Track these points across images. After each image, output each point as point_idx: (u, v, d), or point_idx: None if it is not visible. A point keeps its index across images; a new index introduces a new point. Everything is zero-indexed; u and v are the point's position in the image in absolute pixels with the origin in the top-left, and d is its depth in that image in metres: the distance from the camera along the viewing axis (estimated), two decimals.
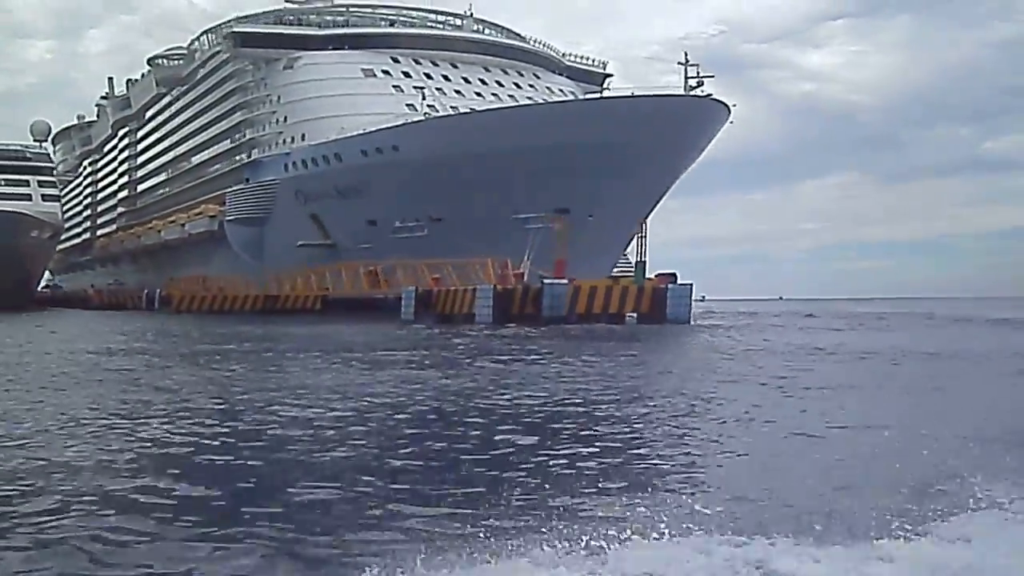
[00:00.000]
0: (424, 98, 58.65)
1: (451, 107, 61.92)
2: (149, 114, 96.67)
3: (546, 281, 36.51)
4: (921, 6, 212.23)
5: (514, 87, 69.69)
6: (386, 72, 65.41)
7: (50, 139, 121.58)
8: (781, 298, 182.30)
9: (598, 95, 79.51)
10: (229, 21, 74.80)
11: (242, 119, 72.24)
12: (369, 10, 75.40)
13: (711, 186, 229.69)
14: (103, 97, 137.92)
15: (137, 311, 72.48)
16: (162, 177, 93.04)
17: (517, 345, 26.05)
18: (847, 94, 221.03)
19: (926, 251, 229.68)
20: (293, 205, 64.84)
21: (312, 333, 33.52)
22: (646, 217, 58.31)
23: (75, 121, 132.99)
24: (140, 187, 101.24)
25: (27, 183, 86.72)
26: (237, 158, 72.62)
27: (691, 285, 40.64)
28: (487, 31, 75.88)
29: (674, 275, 40.26)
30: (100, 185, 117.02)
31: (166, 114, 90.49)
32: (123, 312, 71.11)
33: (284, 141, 66.45)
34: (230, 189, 71.24)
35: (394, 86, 64.23)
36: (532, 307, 35.77)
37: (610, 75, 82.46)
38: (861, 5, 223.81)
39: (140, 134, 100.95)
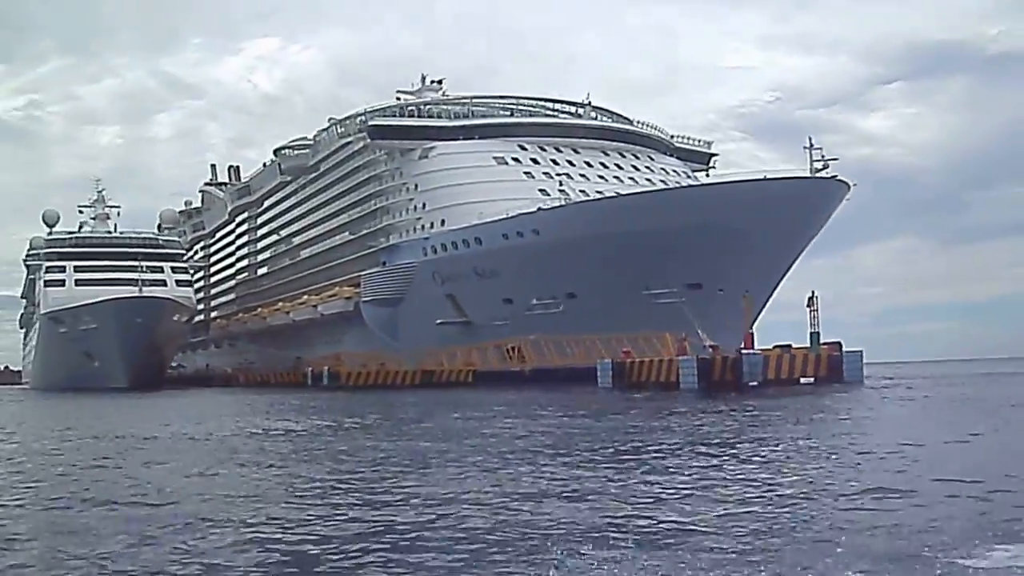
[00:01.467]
0: (560, 184, 63.88)
1: (579, 191, 67.02)
2: (270, 201, 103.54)
3: (744, 352, 40.98)
4: (976, 66, 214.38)
5: (632, 169, 74.87)
6: (516, 159, 71.11)
7: (157, 225, 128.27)
8: None
9: (704, 172, 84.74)
10: (357, 115, 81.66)
11: (378, 206, 78.27)
12: (489, 100, 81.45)
13: None
14: (207, 183, 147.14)
15: (289, 387, 77.45)
16: (287, 261, 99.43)
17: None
18: (905, 157, 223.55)
19: (993, 312, 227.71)
20: (429, 286, 70.12)
21: (565, 400, 37.55)
22: (773, 290, 62.87)
23: (183, 207, 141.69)
24: (261, 270, 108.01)
25: (161, 269, 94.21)
26: (372, 243, 78.38)
27: (861, 352, 45.65)
28: (601, 117, 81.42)
29: (839, 343, 45.00)
30: (213, 268, 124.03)
31: (291, 201, 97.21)
32: (285, 389, 75.40)
33: (423, 226, 72.08)
34: (366, 272, 76.98)
35: (525, 172, 69.83)
36: (731, 374, 40.25)
37: (715, 154, 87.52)
38: (915, 68, 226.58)
39: (260, 220, 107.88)
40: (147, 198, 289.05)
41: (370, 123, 75.94)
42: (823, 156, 56.59)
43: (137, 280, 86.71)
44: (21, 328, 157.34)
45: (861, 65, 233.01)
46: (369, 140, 76.55)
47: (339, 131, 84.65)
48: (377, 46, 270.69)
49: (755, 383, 39.48)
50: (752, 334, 43.36)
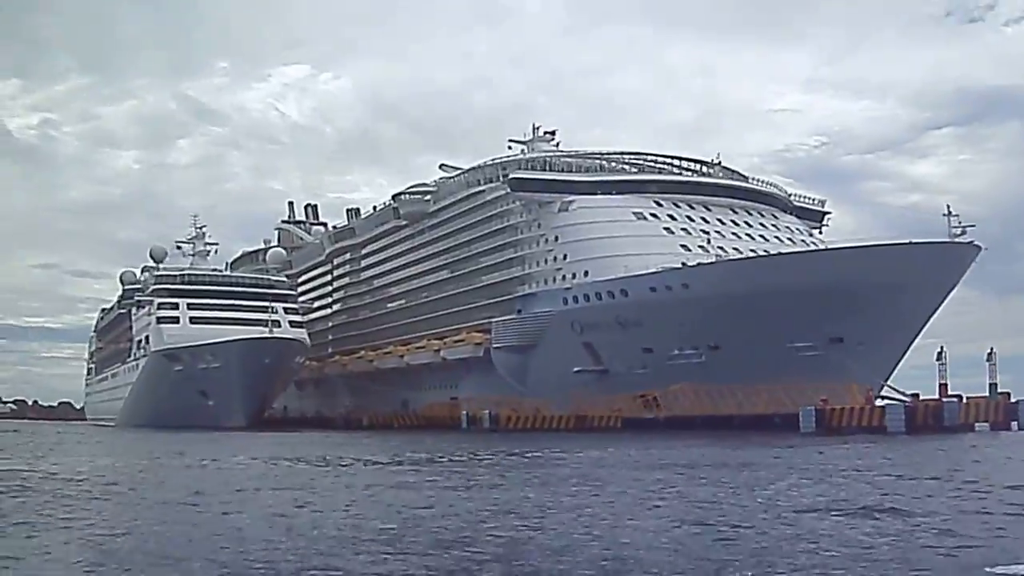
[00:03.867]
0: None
1: (718, 247, 76.43)
2: (379, 244, 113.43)
3: (945, 400, 50.31)
4: None
5: (760, 227, 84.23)
6: (654, 215, 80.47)
7: (230, 263, 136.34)
8: None
9: (818, 229, 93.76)
10: (486, 165, 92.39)
11: (514, 255, 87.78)
12: (615, 155, 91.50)
13: None
14: (285, 221, 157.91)
15: (427, 429, 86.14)
16: (399, 304, 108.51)
17: None
18: (956, 205, 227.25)
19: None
20: (566, 334, 78.91)
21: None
22: (910, 344, 71.76)
23: (261, 246, 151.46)
24: (363, 313, 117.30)
25: (275, 310, 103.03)
26: (508, 291, 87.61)
27: None
28: (723, 176, 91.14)
29: (1008, 394, 54.41)
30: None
31: (406, 245, 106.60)
32: (429, 432, 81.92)
33: (563, 277, 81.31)
34: (498, 318, 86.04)
35: (665, 228, 79.15)
36: (932, 419, 49.52)
37: (828, 212, 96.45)
38: (967, 113, 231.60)
39: (364, 263, 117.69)
40: (161, 227, 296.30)
41: (512, 176, 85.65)
42: (960, 223, 66.56)
43: (267, 320, 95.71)
44: (91, 363, 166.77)
45: (910, 109, 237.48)
46: (509, 191, 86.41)
47: (467, 180, 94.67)
48: (411, 79, 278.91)
49: (953, 426, 48.61)
50: (946, 384, 52.68)
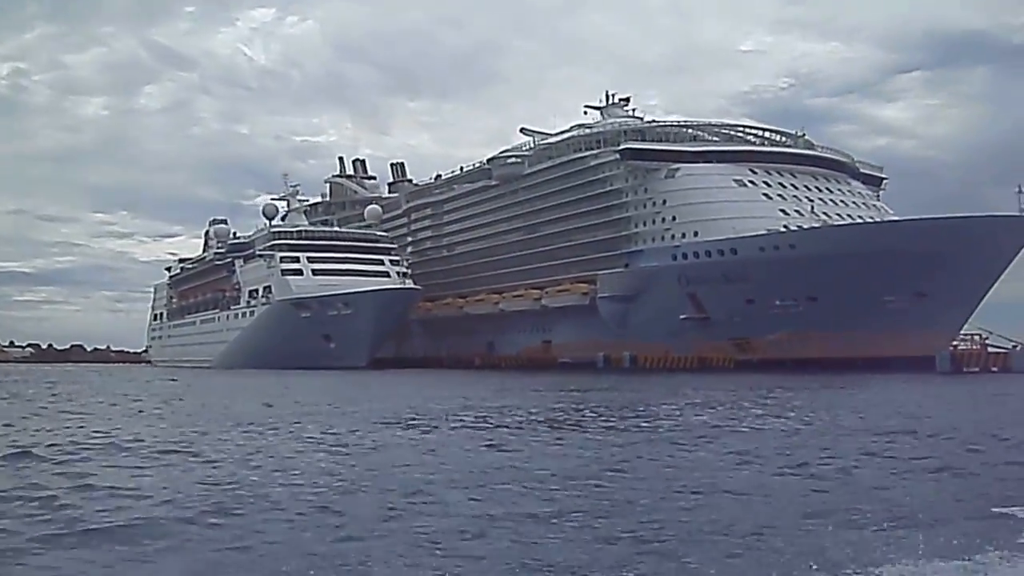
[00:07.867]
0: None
1: (811, 212, 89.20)
2: (462, 203, 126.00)
3: None
4: (1000, 57, 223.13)
5: (838, 192, 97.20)
6: (751, 182, 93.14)
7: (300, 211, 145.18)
8: None
9: (876, 192, 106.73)
10: (579, 133, 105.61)
11: (620, 216, 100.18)
12: (703, 125, 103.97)
13: None
14: (336, 176, 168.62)
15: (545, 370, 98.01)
16: (490, 256, 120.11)
17: None
18: (923, 150, 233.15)
19: (1014, 313, 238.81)
20: (670, 286, 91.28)
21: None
22: (981, 299, 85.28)
23: (319, 199, 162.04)
24: (447, 264, 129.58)
25: (382, 262, 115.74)
26: (614, 247, 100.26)
27: None
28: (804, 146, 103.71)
29: None
30: None
31: (497, 204, 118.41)
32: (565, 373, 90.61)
33: (672, 236, 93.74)
34: (604, 271, 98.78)
35: (763, 194, 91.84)
36: None
37: (886, 178, 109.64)
38: (936, 56, 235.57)
39: (447, 219, 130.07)
40: (133, 172, 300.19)
41: (625, 146, 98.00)
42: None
43: (378, 272, 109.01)
44: (158, 310, 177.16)
45: (879, 52, 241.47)
46: (618, 158, 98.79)
47: (570, 144, 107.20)
48: (377, 19, 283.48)
49: None
50: None
